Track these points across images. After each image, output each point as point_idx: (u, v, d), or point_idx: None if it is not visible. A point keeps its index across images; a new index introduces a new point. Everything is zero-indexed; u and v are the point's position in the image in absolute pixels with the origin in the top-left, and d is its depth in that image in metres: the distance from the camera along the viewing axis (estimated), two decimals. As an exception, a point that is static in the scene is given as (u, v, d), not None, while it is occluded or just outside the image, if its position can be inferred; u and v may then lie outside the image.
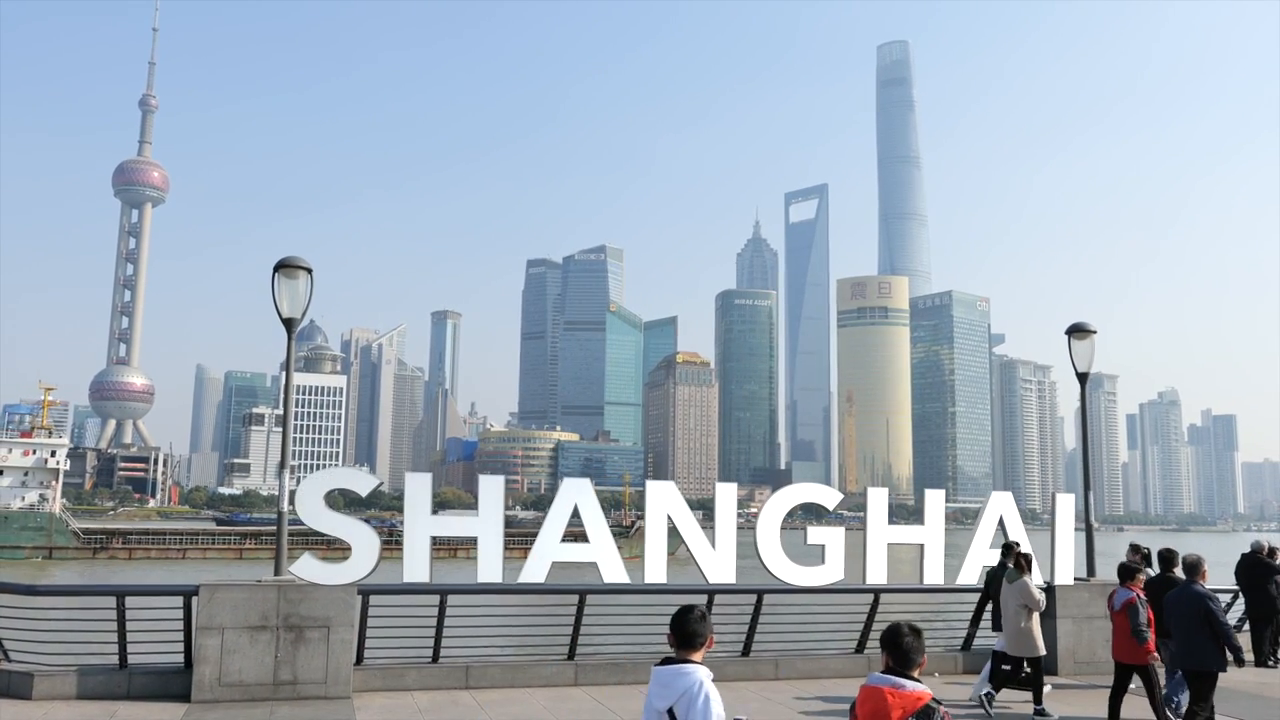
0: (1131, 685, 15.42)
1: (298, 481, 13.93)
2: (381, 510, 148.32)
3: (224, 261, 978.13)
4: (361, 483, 14.94)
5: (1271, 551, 18.41)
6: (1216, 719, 11.89)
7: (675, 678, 5.57)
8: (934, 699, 5.54)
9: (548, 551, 14.41)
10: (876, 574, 16.04)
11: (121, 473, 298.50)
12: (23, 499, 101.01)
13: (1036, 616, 14.13)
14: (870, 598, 16.54)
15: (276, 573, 13.74)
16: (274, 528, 14.49)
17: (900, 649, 5.64)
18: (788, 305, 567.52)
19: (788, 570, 15.43)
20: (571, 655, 15.24)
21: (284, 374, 15.75)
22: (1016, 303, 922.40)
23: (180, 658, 13.42)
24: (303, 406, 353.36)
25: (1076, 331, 18.38)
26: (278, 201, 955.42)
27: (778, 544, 15.40)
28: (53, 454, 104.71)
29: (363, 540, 13.61)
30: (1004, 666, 14.22)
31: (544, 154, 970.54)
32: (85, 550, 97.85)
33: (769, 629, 16.51)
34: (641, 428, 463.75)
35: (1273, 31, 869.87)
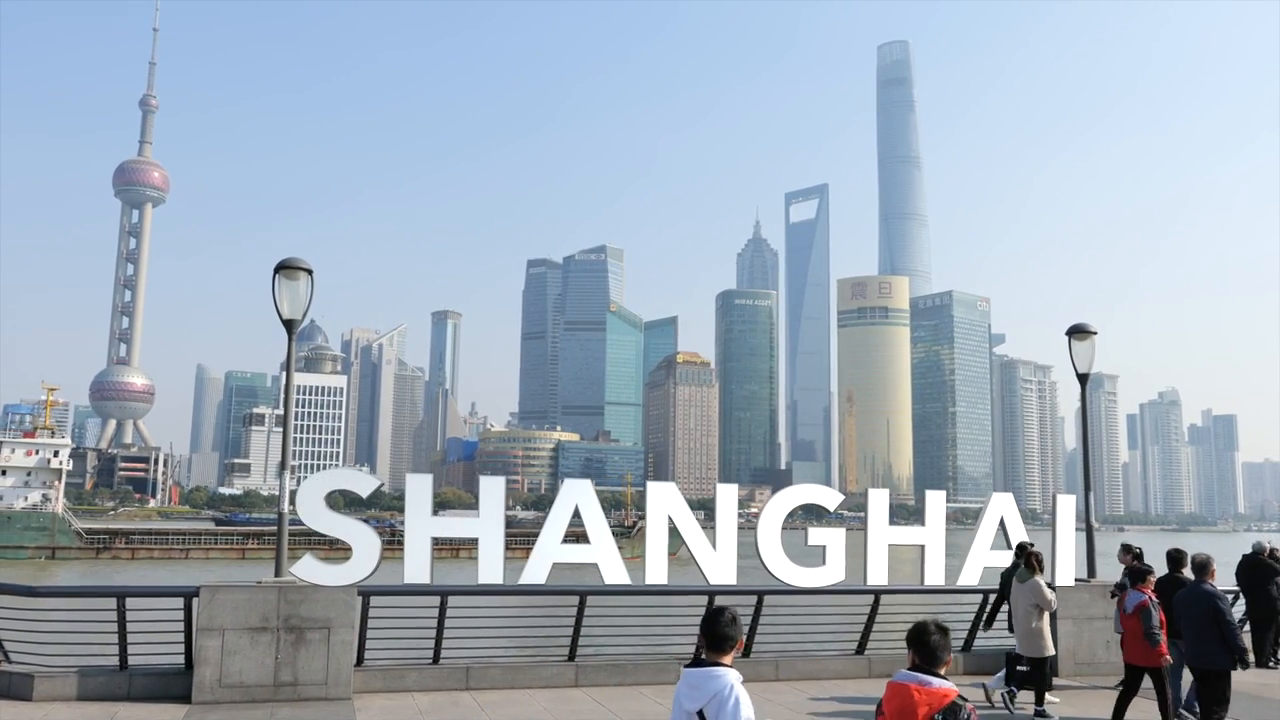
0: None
1: (298, 482, 13.92)
2: (382, 510, 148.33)
3: (224, 261, 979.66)
4: (362, 484, 14.96)
5: (1272, 553, 18.39)
6: (1217, 720, 11.90)
7: (706, 680, 5.58)
8: (960, 696, 5.58)
9: (549, 552, 14.40)
10: (877, 575, 16.05)
11: (122, 473, 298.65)
12: (25, 499, 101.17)
13: (1047, 617, 14.14)
14: (871, 599, 16.55)
15: (277, 574, 13.73)
16: (274, 527, 14.49)
17: (927, 646, 5.69)
18: (788, 305, 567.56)
19: (788, 571, 15.43)
20: (572, 656, 15.24)
21: (284, 374, 15.75)
22: (1017, 303, 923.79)
23: (181, 659, 13.42)
24: (303, 406, 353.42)
25: (1077, 332, 18.39)
26: (278, 201, 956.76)
27: (778, 545, 15.40)
28: (55, 454, 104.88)
29: (364, 541, 13.61)
30: (1019, 667, 14.25)
31: (544, 154, 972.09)
32: (88, 550, 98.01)
33: (770, 630, 16.51)
34: (642, 428, 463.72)
35: (1273, 31, 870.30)
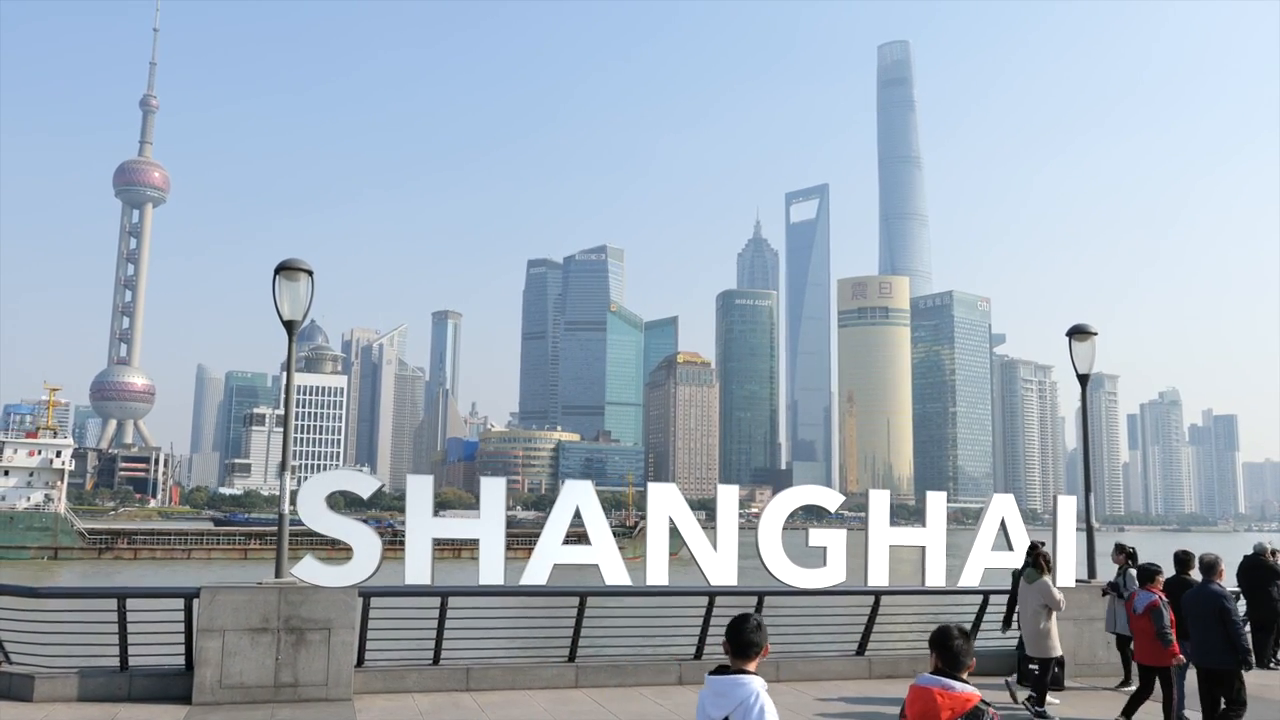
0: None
1: (299, 482, 13.92)
2: (382, 510, 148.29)
3: (225, 261, 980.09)
4: (363, 485, 14.96)
5: (1274, 554, 18.37)
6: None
7: (732, 687, 5.58)
8: (983, 700, 5.59)
9: (549, 553, 14.40)
10: (878, 576, 16.04)
11: (122, 473, 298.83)
12: (28, 499, 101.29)
13: (1055, 617, 14.14)
14: (871, 599, 16.55)
15: (278, 575, 13.73)
16: (273, 527, 14.49)
17: (950, 650, 5.70)
18: (788, 305, 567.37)
19: (789, 572, 15.42)
20: (572, 657, 15.23)
21: (285, 374, 15.76)
22: (1017, 303, 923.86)
23: (181, 660, 13.41)
24: (303, 407, 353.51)
25: (1077, 333, 18.38)
26: (278, 201, 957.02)
27: (779, 546, 15.39)
28: (58, 454, 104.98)
29: (365, 543, 13.60)
30: (1030, 667, 14.27)
31: (544, 154, 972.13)
32: (91, 550, 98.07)
33: (770, 630, 16.41)
34: (642, 428, 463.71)
35: (1273, 32, 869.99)
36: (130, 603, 13.44)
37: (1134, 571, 15.69)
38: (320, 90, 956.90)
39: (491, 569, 14.21)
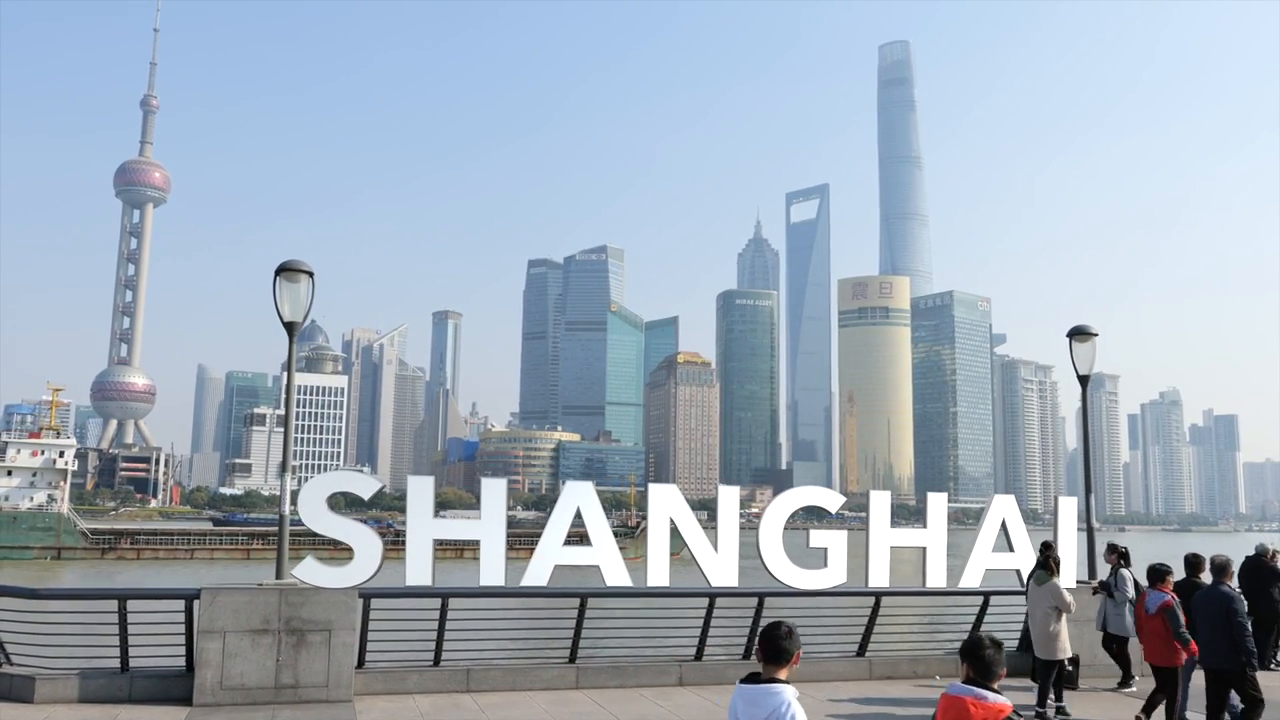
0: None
1: (299, 483, 13.92)
2: (382, 510, 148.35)
3: (225, 261, 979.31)
4: (364, 486, 14.99)
5: (1275, 555, 18.37)
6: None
7: (764, 696, 5.63)
8: (1015, 711, 5.60)
9: (550, 554, 14.42)
10: (879, 577, 16.04)
11: (123, 473, 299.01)
12: (31, 499, 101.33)
13: (1065, 619, 14.13)
14: (872, 600, 16.54)
15: (278, 576, 13.72)
16: (273, 527, 14.49)
17: (982, 660, 5.72)
18: (789, 305, 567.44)
19: (789, 573, 15.43)
20: (573, 658, 15.23)
21: (285, 375, 15.77)
22: (1018, 303, 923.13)
23: (182, 661, 13.42)
24: (304, 407, 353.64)
25: (1078, 334, 18.37)
26: (278, 201, 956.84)
27: (780, 547, 15.40)
28: (61, 454, 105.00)
29: (365, 544, 13.62)
30: (1067, 668, 14.26)
31: (544, 154, 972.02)
32: (93, 550, 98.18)
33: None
34: (642, 428, 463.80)
35: (1273, 32, 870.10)
36: (131, 604, 13.46)
37: (1126, 572, 15.70)
38: (320, 90, 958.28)
39: (492, 570, 14.23)
